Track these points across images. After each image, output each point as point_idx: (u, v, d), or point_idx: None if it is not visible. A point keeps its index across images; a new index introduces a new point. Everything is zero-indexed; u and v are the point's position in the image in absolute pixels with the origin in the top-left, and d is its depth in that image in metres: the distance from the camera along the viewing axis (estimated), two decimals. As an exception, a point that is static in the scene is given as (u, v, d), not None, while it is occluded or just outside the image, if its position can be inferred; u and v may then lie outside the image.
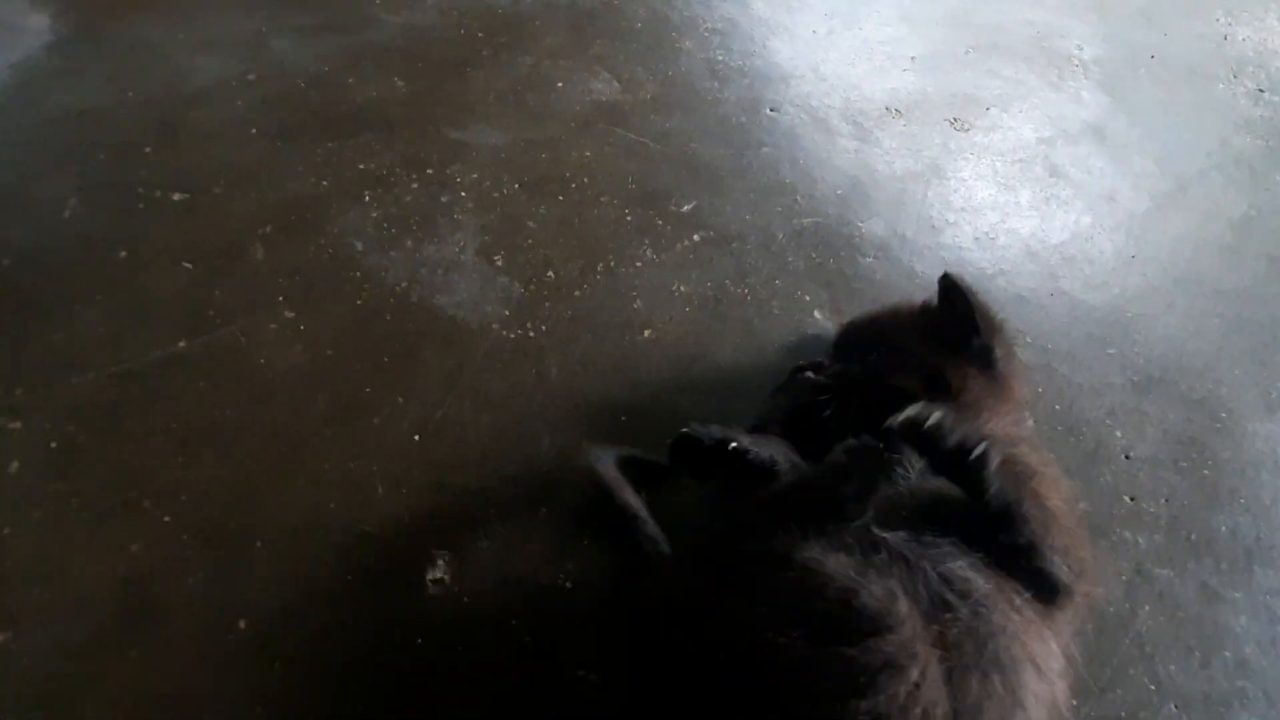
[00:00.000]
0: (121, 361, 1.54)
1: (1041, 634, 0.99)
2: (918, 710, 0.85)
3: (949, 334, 1.31)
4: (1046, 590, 1.02)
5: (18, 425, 1.45)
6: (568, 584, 1.34)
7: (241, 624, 1.28)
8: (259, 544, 1.36)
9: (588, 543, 1.37)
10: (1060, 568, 1.02)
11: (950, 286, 1.32)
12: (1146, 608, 1.36)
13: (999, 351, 1.29)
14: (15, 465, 1.41)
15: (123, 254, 1.70)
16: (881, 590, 0.90)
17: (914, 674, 0.86)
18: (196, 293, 1.65)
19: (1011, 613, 0.97)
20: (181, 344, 1.58)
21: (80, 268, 1.67)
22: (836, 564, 0.93)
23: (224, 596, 1.30)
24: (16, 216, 1.76)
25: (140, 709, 1.19)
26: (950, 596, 0.94)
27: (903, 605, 0.90)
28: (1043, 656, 0.97)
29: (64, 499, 1.38)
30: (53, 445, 1.43)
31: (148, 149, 1.91)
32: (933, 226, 1.91)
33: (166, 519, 1.37)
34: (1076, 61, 2.41)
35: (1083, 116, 2.23)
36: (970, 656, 0.90)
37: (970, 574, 0.97)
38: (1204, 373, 1.68)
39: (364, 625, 1.28)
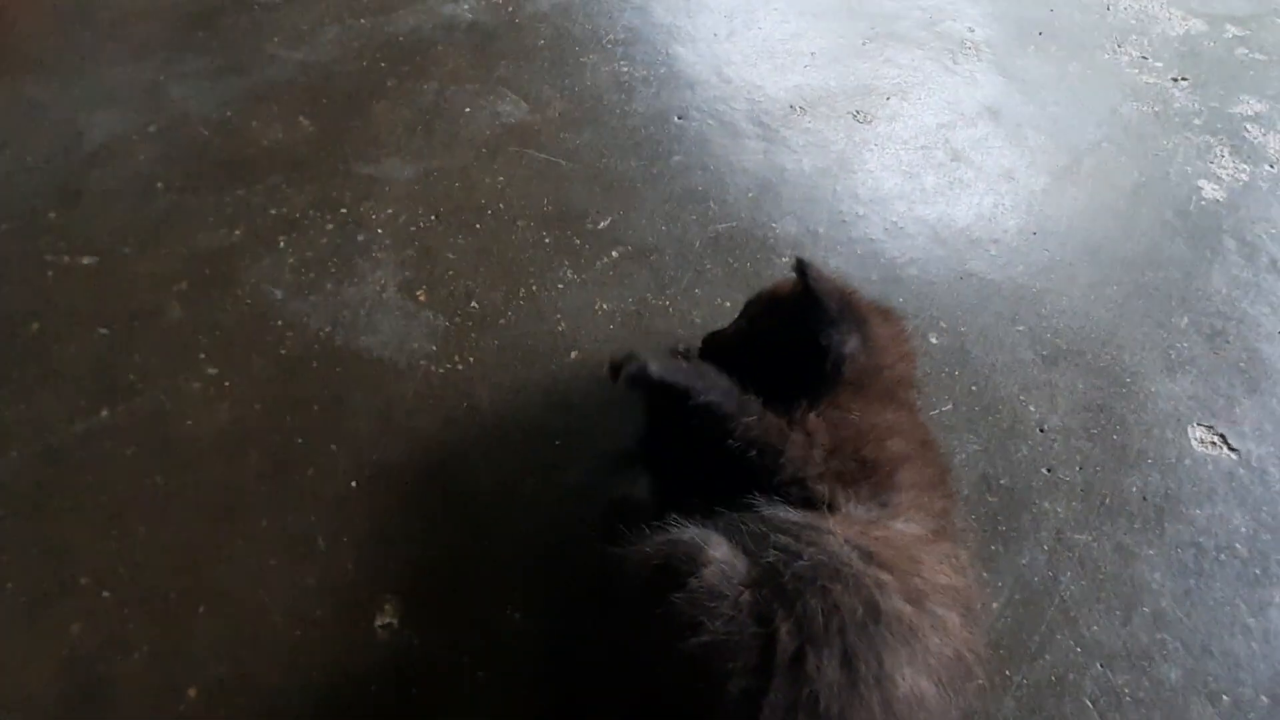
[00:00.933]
0: (43, 438, 1.52)
1: (909, 560, 1.05)
2: (748, 633, 0.95)
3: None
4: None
5: (-61, 514, 1.43)
6: (516, 614, 1.36)
7: (191, 692, 1.28)
8: (202, 609, 1.35)
9: (533, 573, 1.40)
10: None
11: (799, 276, 1.35)
12: (1068, 574, 1.43)
13: (849, 345, 1.31)
14: (-58, 556, 1.39)
15: (34, 326, 1.67)
16: (698, 533, 1.04)
17: (737, 603, 0.97)
18: (114, 358, 1.63)
19: (855, 544, 1.04)
20: (104, 413, 1.56)
21: (-9, 346, 1.64)
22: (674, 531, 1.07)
23: (171, 667, 1.30)
24: (-83, 297, 1.71)
25: (95, 792, 1.19)
26: (772, 535, 1.04)
27: (720, 543, 1.03)
28: (900, 578, 1.02)
29: (-4, 586, 1.36)
30: (-21, 532, 1.41)
31: (51, 214, 1.87)
32: (843, 221, 1.97)
33: (105, 594, 1.36)
34: (969, 44, 2.49)
35: (978, 98, 2.31)
36: (806, 586, 0.98)
37: (793, 515, 1.08)
38: (1107, 340, 1.77)
39: (316, 679, 1.29)
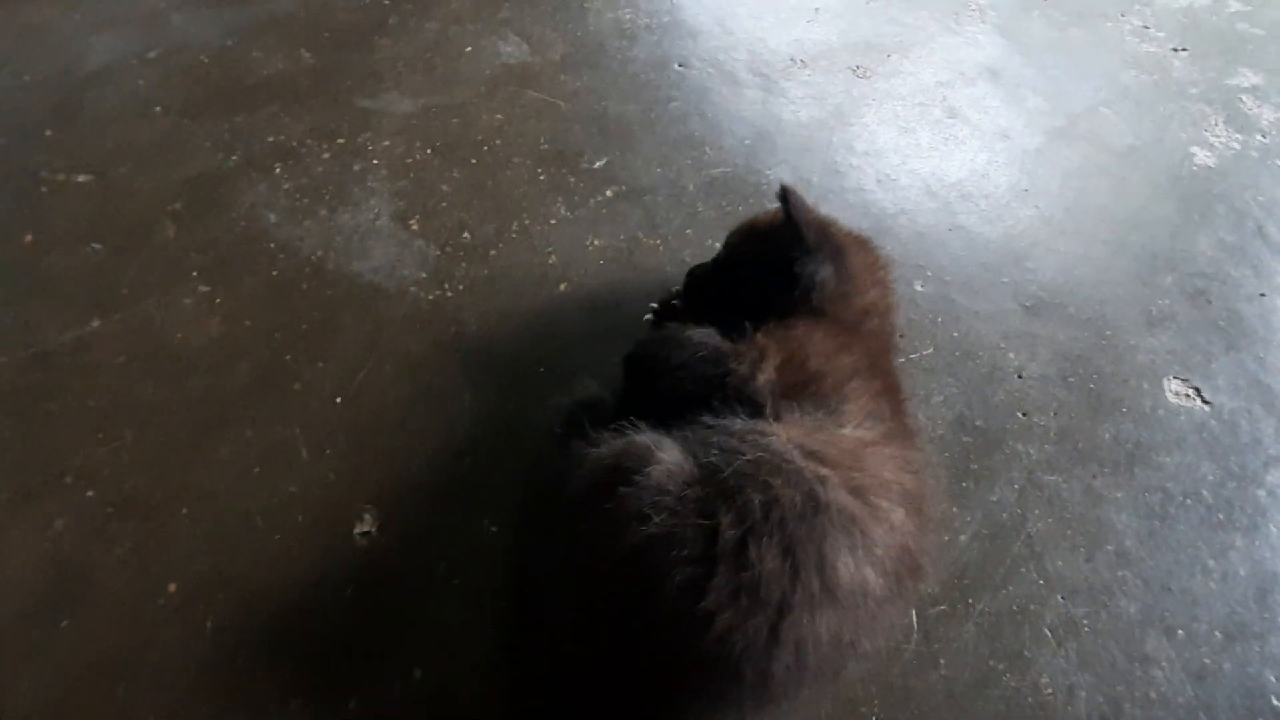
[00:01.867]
0: (35, 345, 1.54)
1: (852, 458, 1.09)
2: (692, 525, 1.01)
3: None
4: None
5: (-69, 413, 1.45)
6: (492, 528, 1.39)
7: (171, 587, 1.31)
8: (185, 511, 1.38)
9: (509, 489, 1.42)
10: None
11: (781, 203, 1.37)
12: (1036, 511, 1.45)
13: (820, 272, 1.34)
14: (-69, 451, 1.41)
15: (28, 238, 1.69)
16: (650, 437, 1.11)
17: (681, 499, 1.02)
18: (107, 272, 1.65)
19: (797, 444, 1.08)
20: (94, 324, 1.58)
21: (-14, 254, 1.66)
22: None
23: (152, 563, 1.33)
24: (-85, 206, 1.73)
25: (76, 677, 1.22)
26: (718, 438, 1.10)
27: (670, 447, 1.09)
28: (841, 474, 1.06)
29: (-16, 481, 1.39)
30: (-31, 430, 1.44)
31: (48, 132, 1.88)
32: (837, 171, 1.98)
33: (90, 494, 1.39)
34: (974, 6, 2.49)
35: (979, 59, 2.32)
36: (746, 481, 1.03)
37: (738, 423, 1.12)
38: (1090, 295, 1.78)
39: (295, 581, 1.32)
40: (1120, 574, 1.39)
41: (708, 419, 1.15)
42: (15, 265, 1.65)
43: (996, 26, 2.43)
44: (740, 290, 1.40)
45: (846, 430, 1.15)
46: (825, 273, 1.34)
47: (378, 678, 1.24)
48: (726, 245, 1.52)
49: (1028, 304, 1.76)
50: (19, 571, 1.30)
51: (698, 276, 1.55)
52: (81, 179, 1.81)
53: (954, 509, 1.45)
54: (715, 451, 1.07)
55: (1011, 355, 1.67)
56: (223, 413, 1.49)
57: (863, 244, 1.43)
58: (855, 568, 1.00)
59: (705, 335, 1.31)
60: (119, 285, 1.63)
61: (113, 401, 1.49)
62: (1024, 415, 1.58)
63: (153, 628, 1.27)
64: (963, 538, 1.42)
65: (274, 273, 1.68)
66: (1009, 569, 1.38)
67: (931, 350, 1.66)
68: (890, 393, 1.28)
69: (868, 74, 2.23)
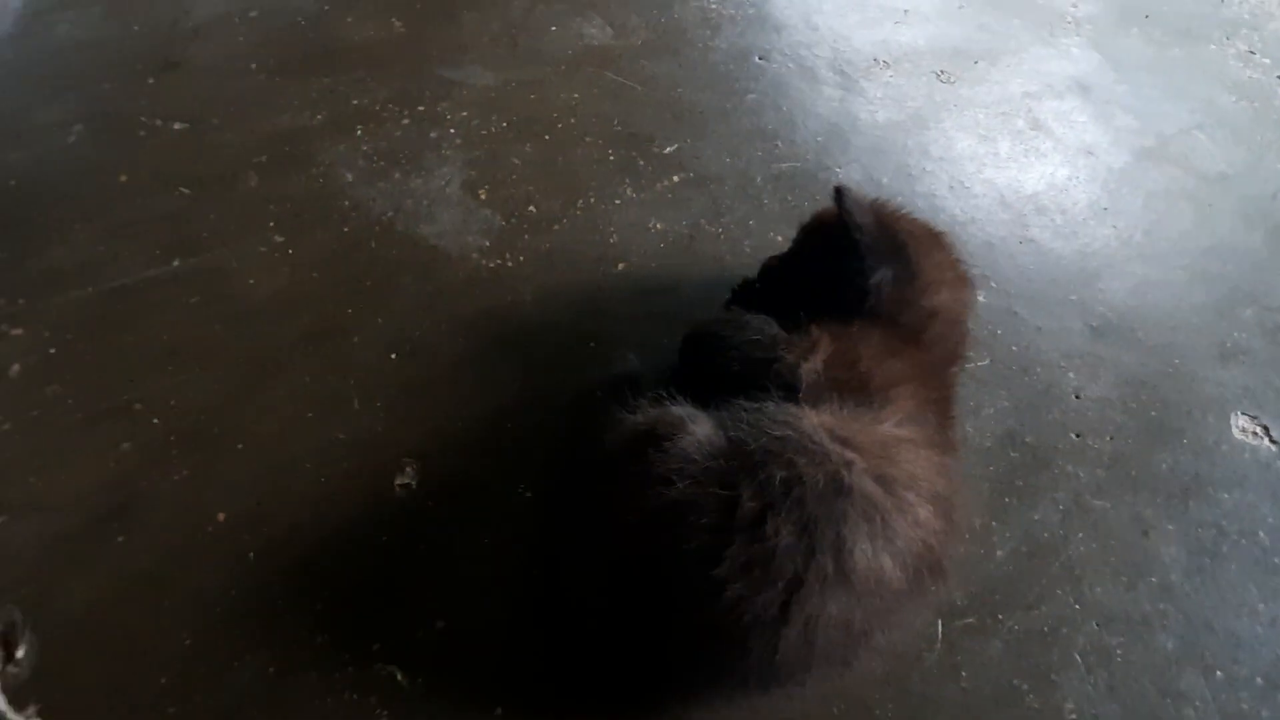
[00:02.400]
0: (117, 277, 1.63)
1: (883, 448, 1.08)
2: (713, 495, 1.02)
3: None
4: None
5: (19, 332, 1.55)
6: (527, 493, 1.42)
7: (220, 517, 1.37)
8: (240, 447, 1.44)
9: (549, 457, 1.44)
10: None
11: (836, 204, 1.34)
12: (1080, 535, 1.41)
13: (877, 276, 1.30)
14: (16, 368, 1.50)
15: (122, 178, 1.78)
16: (686, 411, 1.14)
17: (705, 469, 1.05)
18: (190, 216, 1.73)
19: (828, 428, 1.08)
20: (174, 263, 1.66)
21: (82, 190, 1.76)
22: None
23: (205, 492, 1.39)
24: (23, 141, 1.84)
25: (123, 589, 1.29)
26: (750, 415, 1.11)
27: (704, 421, 1.12)
28: (870, 461, 1.05)
29: (60, 400, 1.47)
30: (51, 352, 1.53)
31: (151, 80, 1.98)
32: (909, 174, 1.95)
33: (155, 421, 1.46)
34: (1070, 19, 2.42)
35: (1070, 72, 2.25)
36: (771, 457, 1.04)
37: (773, 405, 1.13)
38: (1162, 321, 1.72)
39: (334, 523, 1.37)
40: (1161, 607, 1.34)
41: (744, 401, 1.15)
42: (110, 202, 1.74)
43: (1092, 41, 2.35)
44: (806, 286, 1.40)
45: (883, 426, 1.14)
46: (882, 276, 1.30)
47: (402, 624, 1.28)
48: (795, 240, 1.52)
49: (1094, 324, 1.71)
50: (85, 486, 1.38)
51: (769, 269, 1.55)
52: (177, 126, 1.90)
53: (992, 523, 1.42)
54: (745, 427, 1.08)
55: (1071, 375, 1.63)
56: (283, 357, 1.55)
57: (935, 240, 1.39)
58: (873, 554, 1.00)
59: (762, 321, 1.32)
60: (200, 229, 1.71)
61: (183, 338, 1.56)
62: (1077, 436, 1.54)
63: (199, 552, 1.33)
64: (999, 553, 1.39)
65: (344, 229, 1.73)
66: (1044, 589, 1.35)
67: (988, 362, 1.63)
68: (940, 404, 1.26)
69: (952, 79, 2.19)
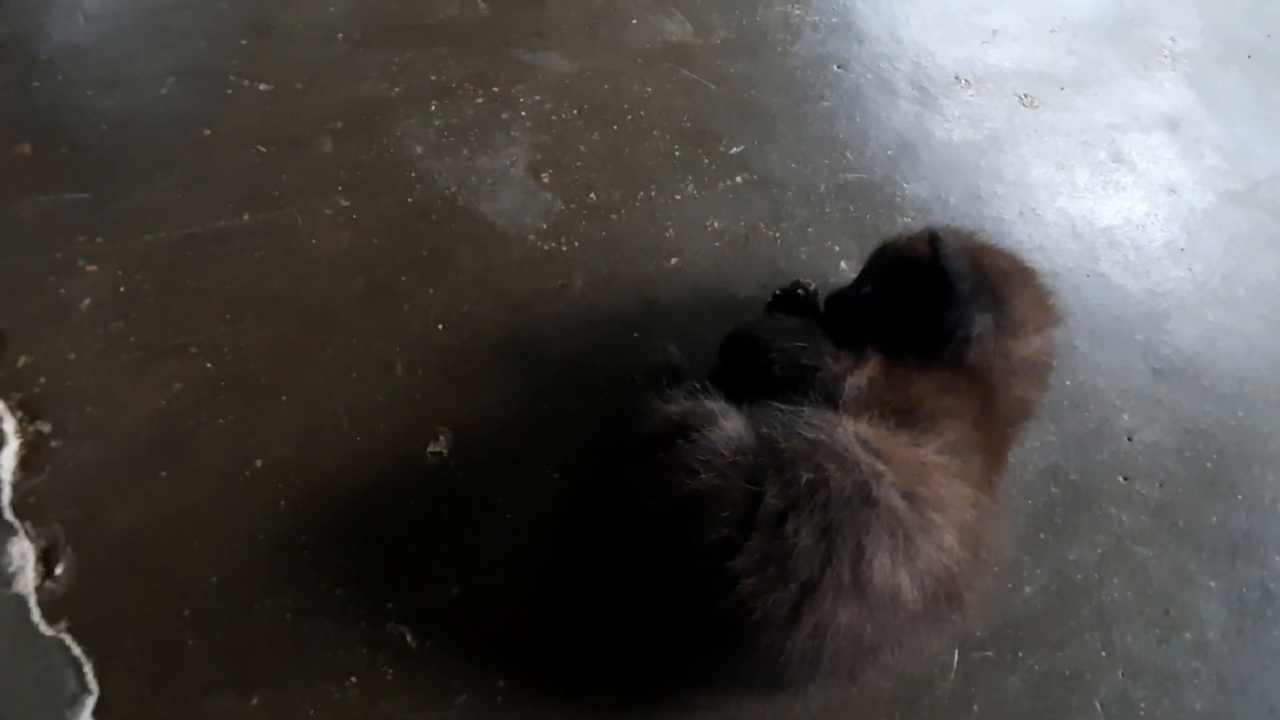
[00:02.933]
0: (189, 225, 1.69)
1: (917, 467, 1.06)
2: (738, 489, 1.02)
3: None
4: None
5: (94, 269, 1.62)
6: (555, 474, 1.43)
7: (258, 463, 1.41)
8: (284, 398, 1.49)
9: (581, 443, 1.45)
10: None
11: (932, 250, 1.26)
12: (1116, 580, 1.36)
13: (975, 327, 1.22)
14: (86, 302, 1.57)
15: (205, 132, 1.85)
16: (719, 405, 1.14)
17: (733, 462, 1.05)
18: (264, 174, 1.79)
19: (862, 438, 1.07)
20: (244, 217, 1.71)
21: (166, 140, 1.83)
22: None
23: (247, 438, 1.43)
24: (119, 90, 1.92)
25: (161, 521, 1.34)
26: (786, 417, 1.10)
27: (737, 418, 1.12)
28: (900, 476, 1.04)
29: (123, 336, 1.54)
30: (121, 290, 1.59)
31: (242, 42, 2.05)
32: (979, 196, 1.91)
33: (209, 365, 1.51)
34: (1166, 52, 2.33)
35: (1160, 107, 2.17)
36: (800, 459, 1.03)
37: (811, 409, 1.12)
38: (1231, 370, 1.65)
39: (365, 482, 1.40)
40: (1194, 665, 1.29)
41: (780, 404, 1.14)
42: (190, 153, 1.81)
43: (1188, 76, 2.27)
44: (879, 329, 1.30)
45: (921, 449, 1.11)
46: (983, 326, 1.22)
47: (418, 587, 1.30)
48: (865, 274, 1.45)
49: (1157, 366, 1.64)
50: (135, 421, 1.44)
51: (835, 303, 1.48)
52: (262, 87, 1.96)
53: (1024, 557, 1.38)
54: (777, 427, 1.08)
55: (1126, 416, 1.57)
56: (335, 318, 1.59)
57: (1028, 278, 1.31)
58: (891, 570, 0.98)
59: (811, 329, 1.30)
60: (272, 187, 1.76)
61: (243, 289, 1.61)
62: (1125, 480, 1.48)
63: (235, 495, 1.38)
64: (1027, 589, 1.35)
65: (409, 200, 1.77)
66: (1071, 632, 1.31)
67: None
68: (990, 449, 1.21)
69: (1034, 104, 2.13)
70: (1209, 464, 1.51)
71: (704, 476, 1.04)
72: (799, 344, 1.26)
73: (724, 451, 1.06)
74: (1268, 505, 1.46)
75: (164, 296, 1.60)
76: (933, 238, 1.26)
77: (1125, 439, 1.54)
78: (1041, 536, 1.41)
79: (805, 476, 1.01)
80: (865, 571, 0.98)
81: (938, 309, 1.23)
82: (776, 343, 1.29)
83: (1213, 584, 1.37)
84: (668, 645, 1.12)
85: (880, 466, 1.03)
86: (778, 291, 1.57)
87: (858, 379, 1.18)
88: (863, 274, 1.46)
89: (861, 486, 1.01)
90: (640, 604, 1.12)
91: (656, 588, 1.09)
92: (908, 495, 1.02)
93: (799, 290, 1.54)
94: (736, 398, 1.19)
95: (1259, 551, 1.41)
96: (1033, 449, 1.50)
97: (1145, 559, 1.39)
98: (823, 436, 1.05)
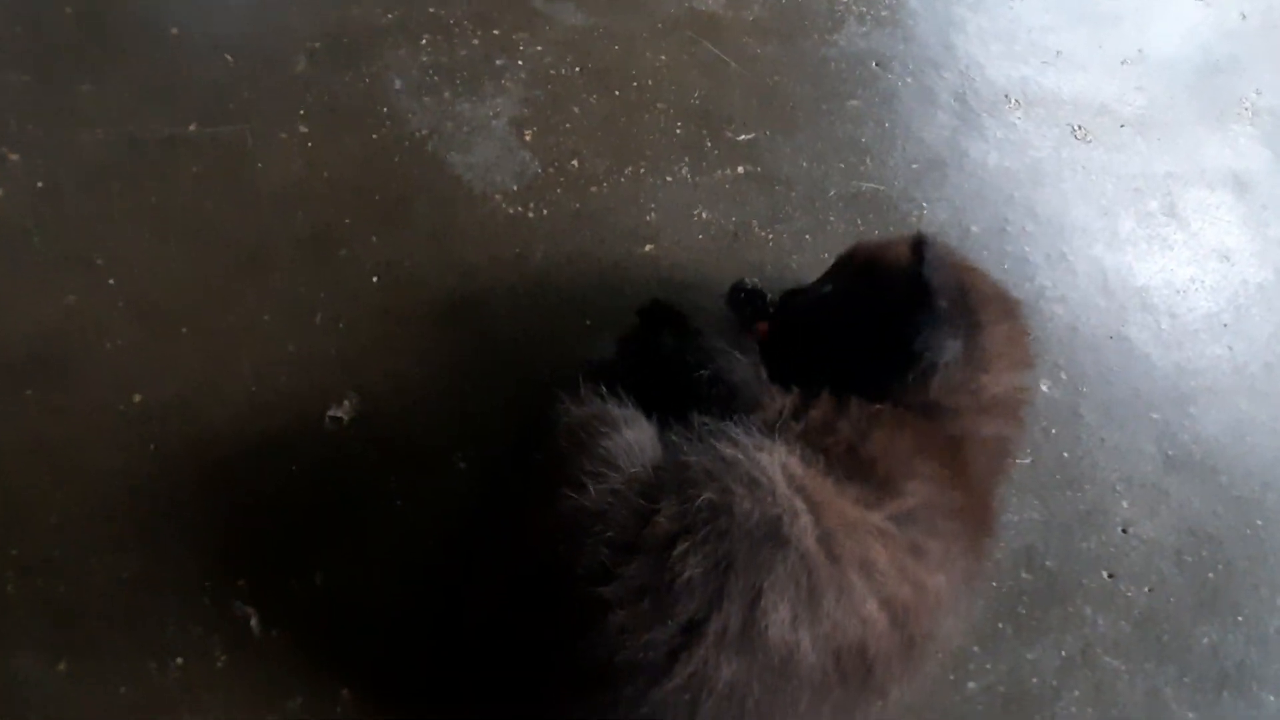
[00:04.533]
0: (130, 127, 1.54)
1: (849, 525, 0.90)
2: (627, 508, 0.88)
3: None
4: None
5: (16, 158, 1.48)
6: (462, 465, 1.27)
7: (137, 398, 1.27)
8: (185, 331, 1.34)
9: (499, 434, 1.29)
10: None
11: (915, 255, 1.07)
12: (1077, 693, 1.17)
13: (944, 353, 1.04)
14: (0, 193, 1.43)
15: (173, 31, 1.70)
16: (628, 413, 0.99)
17: (628, 477, 0.91)
18: (225, 86, 1.63)
19: (789, 473, 0.91)
20: (191, 128, 1.56)
21: (129, 34, 1.68)
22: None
23: (131, 368, 1.29)
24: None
25: (12, 444, 1.20)
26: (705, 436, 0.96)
27: (644, 427, 0.98)
28: (822, 523, 0.88)
29: (28, 235, 1.40)
30: (39, 186, 1.45)
31: (236, -58, 1.89)
32: (1004, 230, 1.70)
33: (111, 283, 1.37)
34: (1247, 105, 2.09)
35: (1229, 164, 1.94)
36: (706, 480, 0.89)
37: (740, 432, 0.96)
38: (1256, 472, 1.44)
39: (248, 438, 1.25)
40: (1150, 811, 1.10)
41: (708, 420, 0.98)
42: (151, 52, 1.66)
43: (1266, 135, 2.03)
44: (835, 337, 1.15)
45: (869, 512, 0.93)
46: (952, 352, 1.04)
47: (279, 568, 1.16)
48: (831, 273, 1.28)
49: (1171, 453, 1.44)
50: (16, 330, 1.30)
51: (789, 299, 1.33)
52: (246, -5, 1.81)
53: (975, 647, 1.19)
54: (692, 440, 0.94)
55: (1125, 504, 1.37)
56: (263, 252, 1.44)
57: (1008, 309, 1.13)
58: (791, 625, 0.82)
59: (745, 367, 1.11)
60: (229, 101, 1.61)
61: (172, 206, 1.46)
62: (1110, 576, 1.29)
63: (103, 431, 1.24)
64: (971, 684, 1.17)
65: (374, 137, 1.61)
66: (1011, 746, 1.12)
67: (1029, 462, 1.39)
68: (968, 516, 1.02)
69: (1088, 138, 1.91)
70: (1211, 574, 1.31)
71: (591, 491, 0.89)
72: (725, 378, 1.08)
73: (620, 464, 0.91)
74: (1271, 635, 1.26)
75: (83, 201, 1.45)
76: (918, 243, 1.06)
77: (1119, 530, 1.34)
78: (1000, 626, 1.22)
79: (706, 497, 0.85)
80: (759, 621, 0.82)
81: (906, 324, 1.04)
82: (703, 366, 1.10)
83: (1191, 716, 1.18)
84: (531, 687, 0.95)
85: (800, 506, 0.86)
86: (735, 289, 1.43)
87: (798, 427, 0.99)
88: (827, 272, 1.28)
89: (771, 522, 0.85)
90: (505, 632, 0.96)
91: (523, 615, 0.93)
92: (826, 545, 0.85)
93: (747, 291, 1.39)
94: (649, 405, 1.02)
95: (1251, 687, 1.21)
96: (1009, 524, 1.31)
97: (1116, 673, 1.20)
98: (740, 456, 0.89)
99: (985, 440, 1.07)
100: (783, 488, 0.88)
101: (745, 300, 1.42)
